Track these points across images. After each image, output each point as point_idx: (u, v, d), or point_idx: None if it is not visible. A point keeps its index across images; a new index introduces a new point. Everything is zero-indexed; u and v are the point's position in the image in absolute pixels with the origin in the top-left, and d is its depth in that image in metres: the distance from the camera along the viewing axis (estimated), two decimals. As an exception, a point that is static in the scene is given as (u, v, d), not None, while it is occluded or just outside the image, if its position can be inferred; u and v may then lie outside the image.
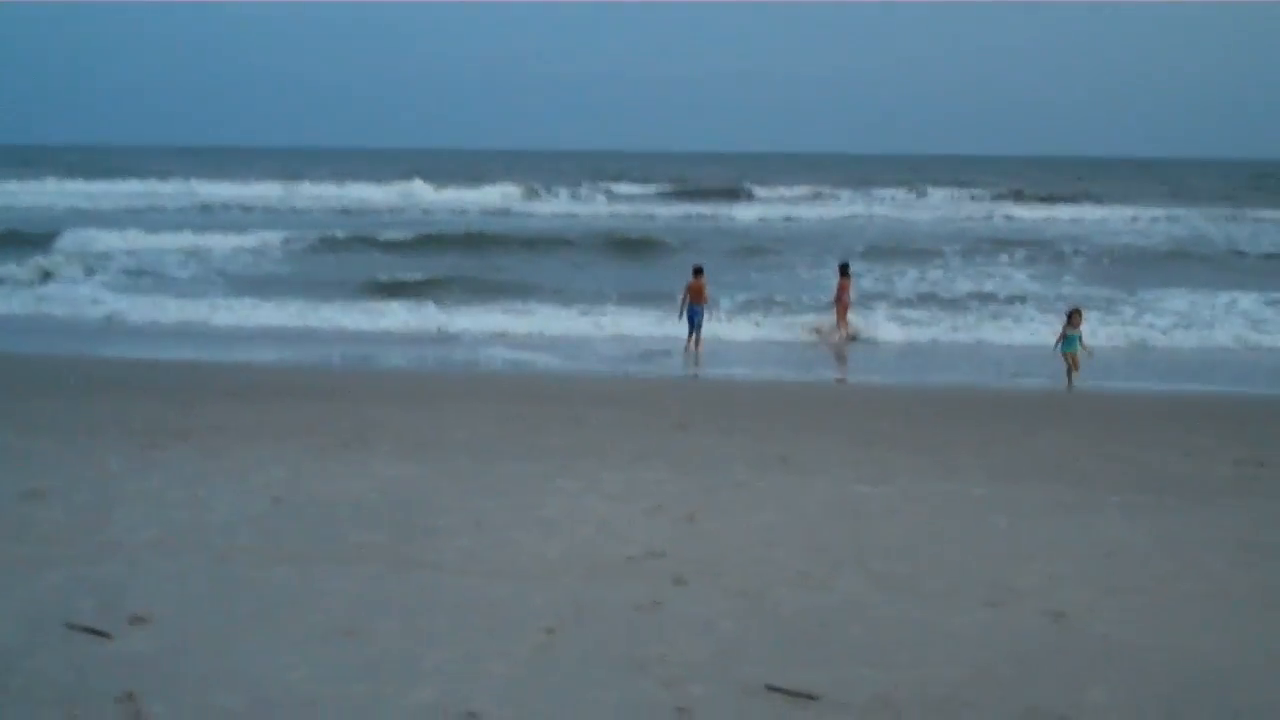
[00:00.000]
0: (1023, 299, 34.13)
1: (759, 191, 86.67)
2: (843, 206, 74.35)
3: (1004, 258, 44.22)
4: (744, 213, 67.52)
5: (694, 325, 26.13)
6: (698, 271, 26.68)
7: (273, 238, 47.20)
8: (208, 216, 62.67)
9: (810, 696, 7.48)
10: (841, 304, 28.71)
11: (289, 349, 26.36)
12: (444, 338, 28.57)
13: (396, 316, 30.48)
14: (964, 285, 37.27)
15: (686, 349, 26.13)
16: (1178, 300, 33.41)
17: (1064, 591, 9.66)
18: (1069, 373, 22.00)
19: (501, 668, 7.89)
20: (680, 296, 26.61)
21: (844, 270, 29.04)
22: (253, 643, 8.33)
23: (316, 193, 78.21)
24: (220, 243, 45.88)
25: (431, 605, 9.11)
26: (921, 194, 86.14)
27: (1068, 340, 22.28)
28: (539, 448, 14.99)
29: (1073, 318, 22.47)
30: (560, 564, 10.15)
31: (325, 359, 25.20)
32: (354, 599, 9.23)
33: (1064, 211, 68.85)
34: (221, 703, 7.36)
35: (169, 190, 77.89)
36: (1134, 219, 64.90)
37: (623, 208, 72.30)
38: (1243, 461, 14.74)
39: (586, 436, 15.84)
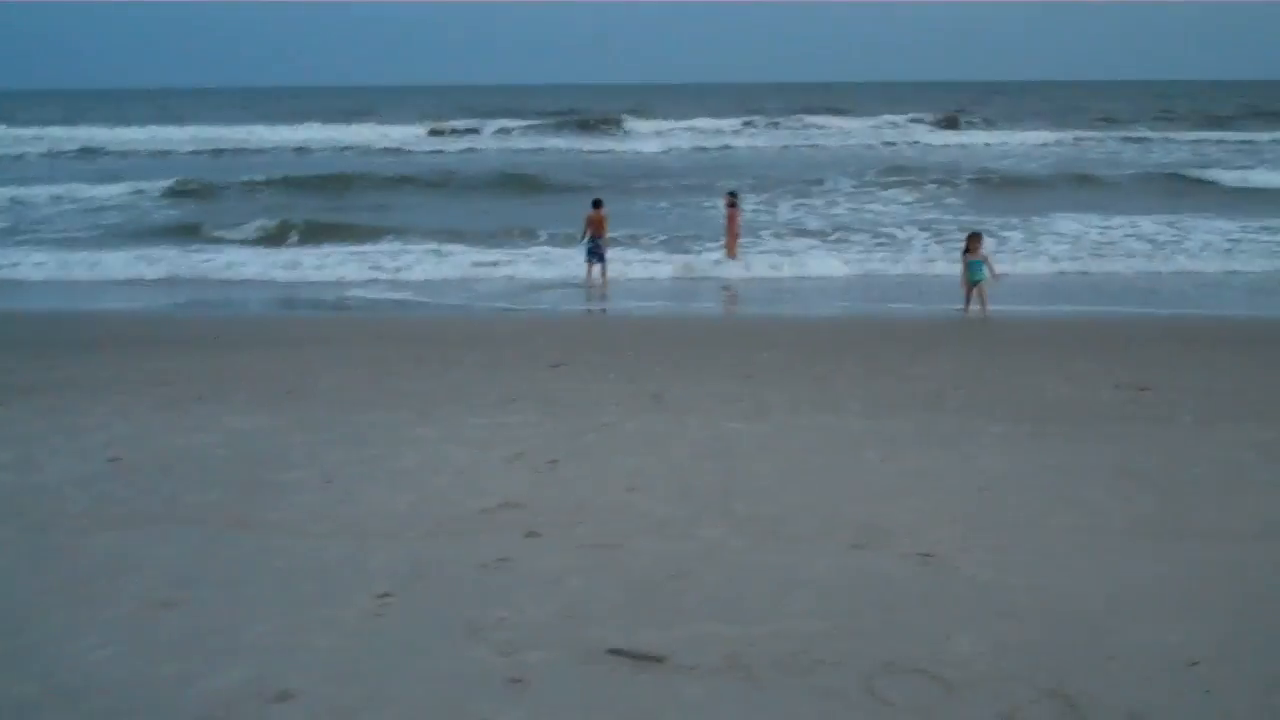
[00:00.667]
0: (914, 226, 33.77)
1: (649, 125, 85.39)
2: (752, 137, 73.73)
3: (897, 188, 43.74)
4: (636, 145, 66.78)
5: (596, 258, 25.87)
6: (597, 204, 26.42)
7: (145, 185, 45.43)
8: (86, 163, 60.46)
9: (655, 659, 6.97)
10: (731, 233, 28.20)
11: (154, 298, 25.28)
12: (312, 282, 27.50)
13: (266, 260, 29.27)
14: (851, 214, 36.86)
15: (588, 282, 25.86)
16: (1070, 224, 33.28)
17: (934, 530, 9.24)
18: (981, 302, 21.13)
19: (326, 640, 7.29)
20: (582, 229, 26.35)
21: (732, 200, 28.52)
22: (58, 620, 7.66)
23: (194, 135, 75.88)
24: (89, 192, 43.99)
25: (261, 571, 8.48)
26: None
27: (972, 267, 21.23)
28: (404, 393, 14.36)
29: (971, 243, 21.45)
30: (407, 520, 9.55)
31: (188, 307, 24.16)
32: (178, 567, 8.57)
33: (972, 138, 68.78)
34: (11, 691, 6.68)
35: (31, 135, 75.15)
36: (1041, 144, 65.10)
37: (514, 143, 71.16)
38: (1124, 386, 14.44)
39: (456, 380, 15.22)
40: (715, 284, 26.68)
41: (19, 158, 62.50)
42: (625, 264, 27.87)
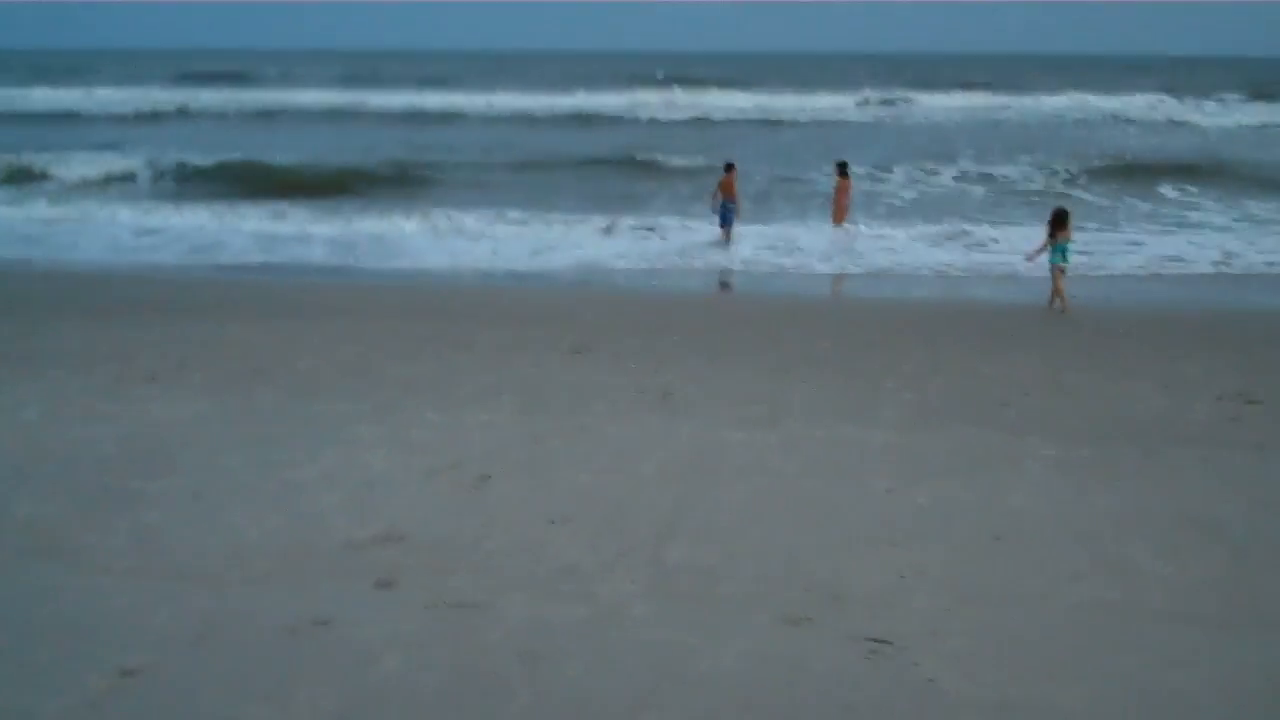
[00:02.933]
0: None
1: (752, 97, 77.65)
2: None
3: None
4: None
5: (726, 222, 24.59)
6: (729, 167, 25.01)
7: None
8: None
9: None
10: (839, 205, 25.84)
11: (170, 256, 23.63)
12: (350, 243, 25.42)
13: (304, 221, 27.41)
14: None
15: (723, 240, 24.48)
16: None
17: (907, 601, 7.05)
18: (1055, 291, 18.08)
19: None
20: (712, 192, 25.11)
21: (842, 170, 26.12)
22: None
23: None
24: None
25: (26, 621, 6.63)
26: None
27: (1055, 249, 18.28)
28: (381, 380, 12.53)
29: (1057, 222, 18.43)
30: (243, 556, 7.66)
31: (198, 268, 22.45)
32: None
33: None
34: None
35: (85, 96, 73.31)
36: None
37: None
38: (1228, 397, 11.92)
39: (450, 365, 13.33)
40: (803, 260, 24.09)
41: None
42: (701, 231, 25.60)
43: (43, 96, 71.01)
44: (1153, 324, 16.70)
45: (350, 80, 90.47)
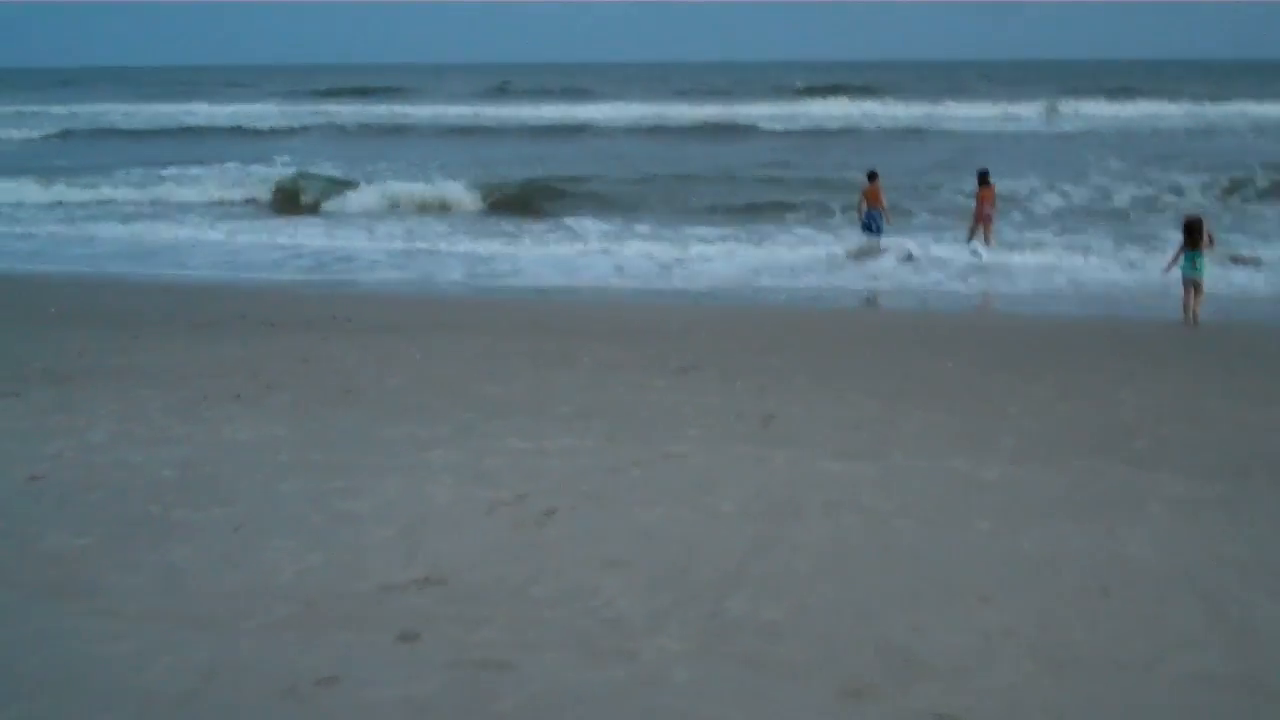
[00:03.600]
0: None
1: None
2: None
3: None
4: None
5: (874, 230, 24.12)
6: (872, 176, 24.60)
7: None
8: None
9: None
10: (982, 215, 24.67)
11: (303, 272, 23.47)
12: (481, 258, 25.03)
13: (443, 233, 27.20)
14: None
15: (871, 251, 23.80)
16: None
17: (991, 668, 6.15)
18: (1188, 305, 17.04)
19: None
20: (858, 202, 24.84)
21: (983, 179, 24.96)
22: None
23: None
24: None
25: (9, 669, 6.14)
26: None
27: (1187, 259, 17.11)
28: (470, 400, 12.00)
29: (1190, 231, 17.24)
30: (264, 598, 7.06)
31: (318, 282, 22.19)
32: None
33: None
34: None
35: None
36: None
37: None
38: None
39: (545, 384, 12.76)
40: (938, 275, 22.93)
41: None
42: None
43: (206, 112, 72.66)
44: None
45: (491, 94, 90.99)
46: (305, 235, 27.75)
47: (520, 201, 32.65)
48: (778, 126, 56.60)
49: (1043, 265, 22.59)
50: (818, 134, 54.05)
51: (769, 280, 21.81)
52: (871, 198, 24.27)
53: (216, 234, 28.21)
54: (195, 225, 29.61)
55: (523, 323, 17.00)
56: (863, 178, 25.32)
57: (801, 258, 23.92)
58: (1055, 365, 13.76)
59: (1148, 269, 20.98)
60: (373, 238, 27.55)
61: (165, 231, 28.66)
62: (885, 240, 24.07)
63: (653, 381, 12.95)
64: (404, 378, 13.00)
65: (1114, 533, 8.16)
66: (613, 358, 14.28)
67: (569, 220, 29.26)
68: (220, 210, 33.20)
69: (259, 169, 39.66)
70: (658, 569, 7.52)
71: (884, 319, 18.36)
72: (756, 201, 31.52)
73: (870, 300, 20.28)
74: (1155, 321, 17.49)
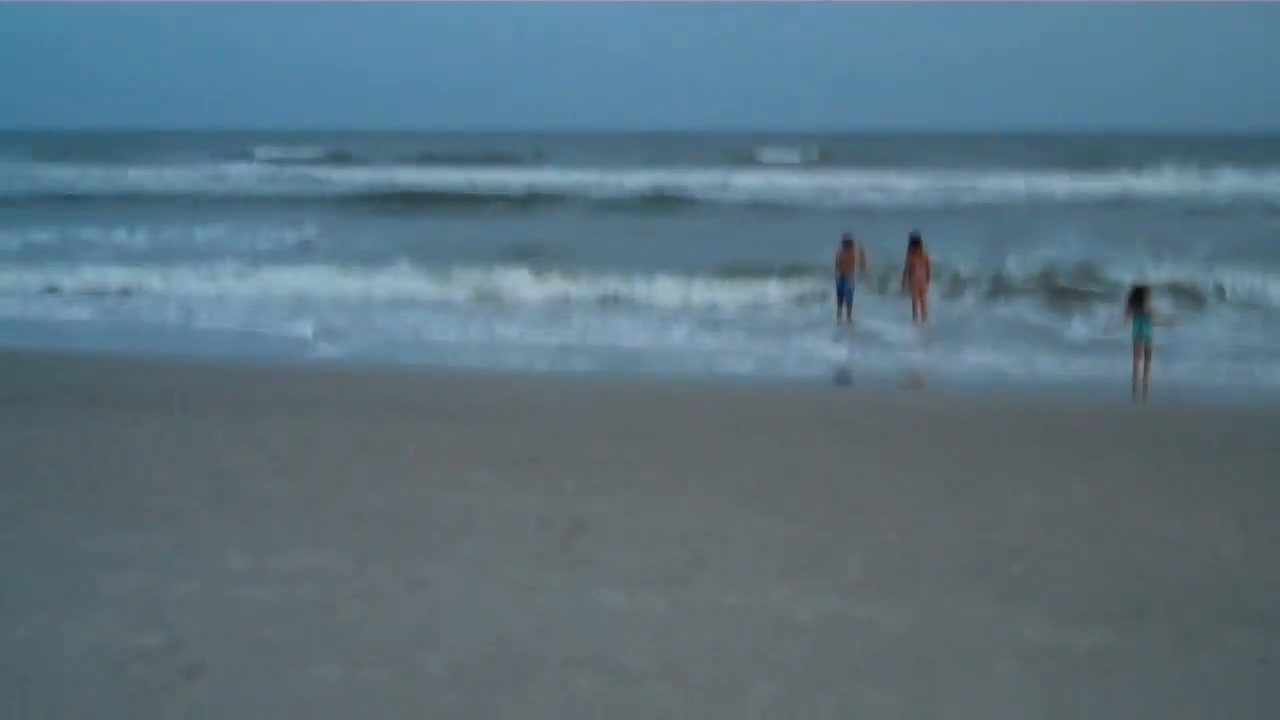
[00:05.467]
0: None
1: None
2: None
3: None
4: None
5: (842, 294, 22.86)
6: (847, 242, 23.20)
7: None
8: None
9: None
10: (915, 282, 22.65)
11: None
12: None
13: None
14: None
15: (838, 317, 22.77)
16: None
17: None
18: (1137, 373, 16.08)
19: None
20: (832, 266, 23.30)
21: (914, 243, 22.99)
22: None
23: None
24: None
25: None
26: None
27: (1136, 322, 16.29)
28: (232, 500, 10.04)
29: (1141, 295, 16.51)
30: None
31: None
32: None
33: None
34: None
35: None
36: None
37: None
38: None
39: (341, 478, 10.87)
40: (864, 347, 20.73)
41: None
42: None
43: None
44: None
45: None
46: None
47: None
48: (715, 197, 53.66)
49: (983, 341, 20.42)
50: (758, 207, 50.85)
51: (674, 355, 19.75)
52: (845, 264, 22.90)
53: None
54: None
55: (375, 400, 14.92)
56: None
57: (720, 329, 21.85)
58: (956, 456, 11.70)
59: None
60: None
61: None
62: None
63: (474, 476, 10.92)
64: (172, 471, 10.91)
65: (929, 703, 6.00)
66: (447, 445, 12.30)
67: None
68: None
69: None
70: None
71: (785, 398, 16.20)
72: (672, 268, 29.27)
73: (841, 378, 18.24)
74: (1096, 401, 15.39)
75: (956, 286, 25.59)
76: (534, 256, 30.41)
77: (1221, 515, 9.42)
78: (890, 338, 21.23)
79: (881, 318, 22.85)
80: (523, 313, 24.58)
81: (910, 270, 22.92)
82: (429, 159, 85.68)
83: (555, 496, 10.21)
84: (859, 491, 10.36)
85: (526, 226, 41.72)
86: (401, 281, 27.53)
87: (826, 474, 11.04)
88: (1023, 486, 10.48)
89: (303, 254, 33.83)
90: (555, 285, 26.60)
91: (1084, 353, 19.01)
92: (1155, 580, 7.98)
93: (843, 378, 18.45)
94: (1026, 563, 8.34)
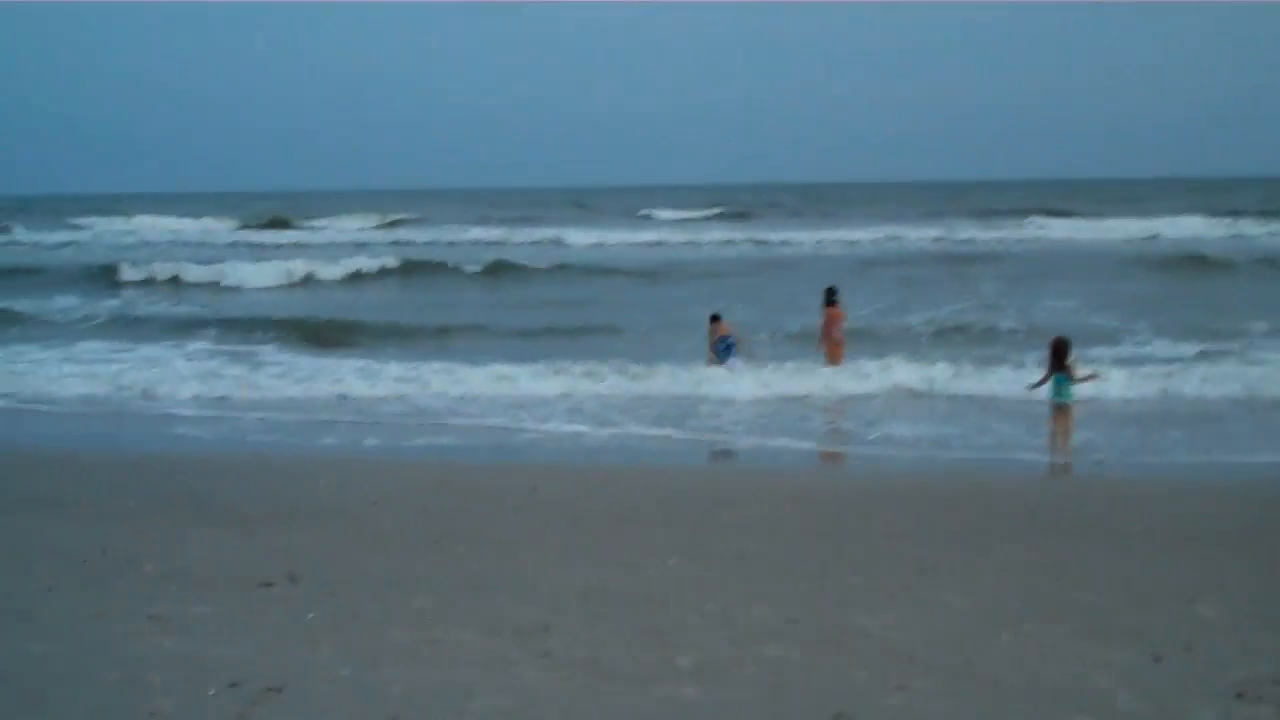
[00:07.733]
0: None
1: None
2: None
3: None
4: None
5: (726, 357, 21.01)
6: (714, 319, 21.54)
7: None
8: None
9: None
10: (831, 340, 20.92)
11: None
12: None
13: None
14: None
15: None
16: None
17: None
18: (1054, 435, 14.50)
19: None
20: (706, 351, 21.34)
21: (830, 297, 20.87)
22: None
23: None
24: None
25: None
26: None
27: (1054, 383, 14.71)
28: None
29: (1060, 351, 14.87)
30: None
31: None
32: None
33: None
34: None
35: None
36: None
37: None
38: (1248, 690, 6.34)
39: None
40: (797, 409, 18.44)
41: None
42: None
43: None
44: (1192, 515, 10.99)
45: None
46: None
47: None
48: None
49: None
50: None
51: (536, 424, 17.45)
52: (719, 336, 21.16)
53: None
54: None
55: (162, 495, 12.54)
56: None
57: (583, 395, 19.74)
58: (829, 552, 9.43)
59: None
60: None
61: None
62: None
63: (195, 609, 8.53)
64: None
65: None
66: (197, 559, 9.91)
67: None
68: None
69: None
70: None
71: (636, 481, 13.68)
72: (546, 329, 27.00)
73: (724, 453, 16.16)
74: (1002, 478, 13.16)
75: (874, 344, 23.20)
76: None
77: (1125, 651, 7.08)
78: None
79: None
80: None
81: (828, 324, 21.00)
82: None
83: (277, 639, 7.87)
84: (678, 597, 8.08)
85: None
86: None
87: (661, 591, 8.70)
88: (872, 602, 8.21)
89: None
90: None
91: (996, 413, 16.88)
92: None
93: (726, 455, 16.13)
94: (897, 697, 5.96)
